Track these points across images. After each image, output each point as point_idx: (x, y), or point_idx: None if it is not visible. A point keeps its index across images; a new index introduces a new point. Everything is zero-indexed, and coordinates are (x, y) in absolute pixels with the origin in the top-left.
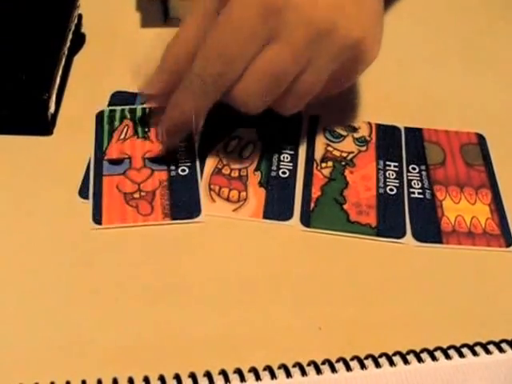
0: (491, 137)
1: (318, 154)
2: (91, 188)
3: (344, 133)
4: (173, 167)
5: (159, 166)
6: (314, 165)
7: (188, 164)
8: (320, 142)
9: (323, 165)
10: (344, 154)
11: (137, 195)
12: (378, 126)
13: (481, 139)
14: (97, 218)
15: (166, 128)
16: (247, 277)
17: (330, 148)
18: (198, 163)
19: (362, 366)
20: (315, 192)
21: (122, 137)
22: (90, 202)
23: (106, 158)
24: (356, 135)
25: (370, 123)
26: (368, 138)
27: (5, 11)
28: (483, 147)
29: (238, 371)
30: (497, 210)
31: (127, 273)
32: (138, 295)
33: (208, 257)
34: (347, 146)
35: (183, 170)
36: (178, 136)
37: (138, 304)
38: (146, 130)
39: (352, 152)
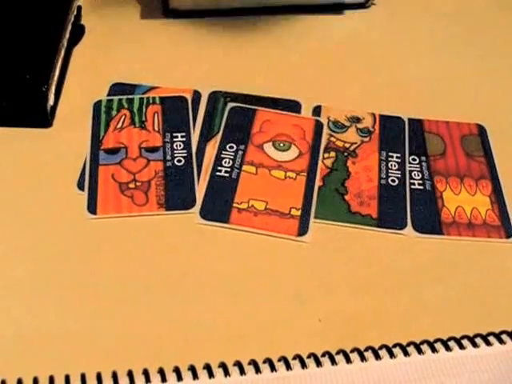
0: (492, 128)
1: (321, 144)
2: (87, 178)
3: (347, 123)
4: (169, 157)
5: (155, 156)
6: None
7: (184, 155)
8: (323, 133)
9: (326, 155)
10: (347, 145)
11: (132, 185)
12: (382, 117)
13: (481, 130)
14: (92, 208)
15: None
16: (245, 268)
17: (332, 138)
18: (194, 154)
19: (362, 358)
20: (316, 182)
21: (119, 126)
22: (86, 191)
23: (102, 147)
24: (359, 126)
25: (373, 114)
26: (371, 129)
27: (3, 3)
28: (484, 138)
29: (238, 364)
30: (497, 201)
31: (121, 263)
32: (133, 286)
33: (204, 248)
34: (350, 136)
35: (179, 161)
36: None
37: (133, 295)
38: (143, 119)
39: (355, 143)
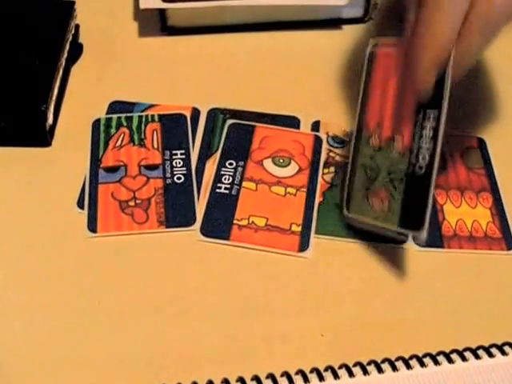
0: (492, 141)
1: (321, 159)
2: (86, 196)
3: (346, 138)
4: (168, 175)
5: (155, 173)
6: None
7: (184, 172)
8: (322, 148)
9: (325, 170)
10: (346, 160)
11: (132, 203)
12: None
13: (481, 143)
14: (92, 227)
15: (419, 63)
16: (246, 284)
17: (332, 154)
18: (193, 171)
19: (365, 372)
20: (317, 198)
21: (118, 144)
22: (86, 210)
23: (101, 165)
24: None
25: None
26: None
27: (1, 22)
28: (484, 151)
29: (241, 380)
30: (498, 214)
31: (122, 281)
32: (134, 303)
33: (205, 265)
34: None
35: (179, 178)
36: (433, 73)
37: (134, 313)
38: (143, 137)
39: None
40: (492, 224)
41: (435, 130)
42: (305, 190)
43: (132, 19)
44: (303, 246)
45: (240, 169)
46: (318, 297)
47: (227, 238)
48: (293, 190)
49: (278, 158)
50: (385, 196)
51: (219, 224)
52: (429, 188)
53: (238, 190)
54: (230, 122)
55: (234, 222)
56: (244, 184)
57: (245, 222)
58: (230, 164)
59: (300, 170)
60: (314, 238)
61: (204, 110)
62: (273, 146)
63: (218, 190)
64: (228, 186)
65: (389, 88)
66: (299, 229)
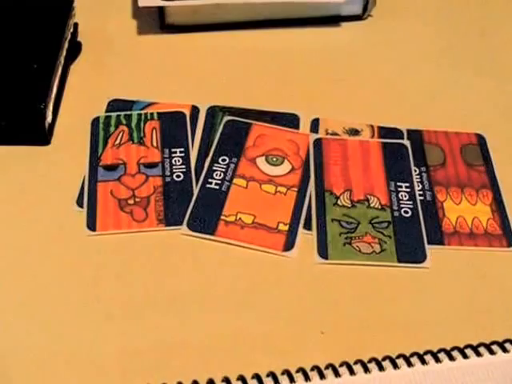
0: (491, 137)
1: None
2: (86, 194)
3: (345, 136)
4: (168, 173)
5: (154, 171)
6: None
7: (183, 170)
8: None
9: None
10: None
11: (131, 201)
12: (380, 129)
13: (481, 139)
14: (91, 225)
15: None
16: (247, 282)
17: None
18: (193, 169)
19: (366, 370)
20: (307, 198)
21: (117, 142)
22: (85, 208)
23: (100, 164)
24: (358, 138)
25: (372, 126)
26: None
27: (0, 21)
28: (483, 147)
29: (241, 378)
30: (498, 210)
31: (121, 280)
32: (133, 302)
33: (204, 262)
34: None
35: (178, 176)
36: None
37: (134, 312)
38: (142, 135)
39: None
40: (492, 221)
41: (411, 193)
42: (295, 189)
43: (131, 17)
44: (288, 245)
45: (232, 165)
46: (318, 293)
47: (213, 234)
48: (283, 189)
49: (271, 156)
50: (371, 240)
51: (206, 219)
52: (419, 225)
53: (229, 187)
54: (226, 118)
55: (222, 217)
56: (235, 181)
57: (232, 219)
58: (223, 160)
59: (293, 169)
60: (310, 235)
61: (203, 107)
62: (267, 145)
63: (208, 186)
64: (219, 181)
65: (350, 164)
66: (286, 228)
